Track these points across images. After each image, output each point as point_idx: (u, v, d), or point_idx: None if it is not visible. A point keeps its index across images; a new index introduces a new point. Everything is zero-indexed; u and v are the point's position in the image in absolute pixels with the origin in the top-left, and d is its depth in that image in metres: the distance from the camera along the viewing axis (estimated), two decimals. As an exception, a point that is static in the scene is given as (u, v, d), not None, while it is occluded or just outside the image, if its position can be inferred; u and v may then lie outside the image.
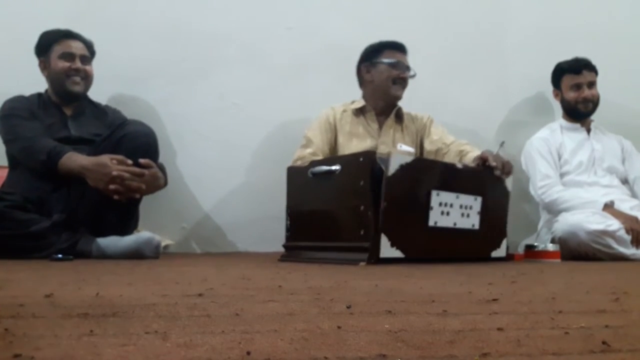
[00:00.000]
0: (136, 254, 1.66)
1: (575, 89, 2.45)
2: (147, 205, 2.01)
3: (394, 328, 0.50)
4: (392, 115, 2.14)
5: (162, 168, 1.92)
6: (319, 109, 2.15)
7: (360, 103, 2.14)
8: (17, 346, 0.40)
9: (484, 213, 1.75)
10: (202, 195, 2.41)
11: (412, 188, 1.59)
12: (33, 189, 1.76)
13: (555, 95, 2.57)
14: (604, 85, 2.48)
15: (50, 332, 0.45)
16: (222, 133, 2.41)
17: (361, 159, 1.58)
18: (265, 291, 0.80)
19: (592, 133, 2.51)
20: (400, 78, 2.09)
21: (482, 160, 1.82)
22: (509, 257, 1.93)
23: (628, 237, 2.06)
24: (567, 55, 2.49)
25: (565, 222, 2.13)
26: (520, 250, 2.19)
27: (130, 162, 1.74)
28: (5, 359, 0.36)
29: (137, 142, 1.80)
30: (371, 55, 2.12)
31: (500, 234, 1.85)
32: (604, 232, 2.04)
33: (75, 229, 1.70)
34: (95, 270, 1.19)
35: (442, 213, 1.65)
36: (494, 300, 0.72)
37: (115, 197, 1.72)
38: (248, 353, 0.38)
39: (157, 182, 1.85)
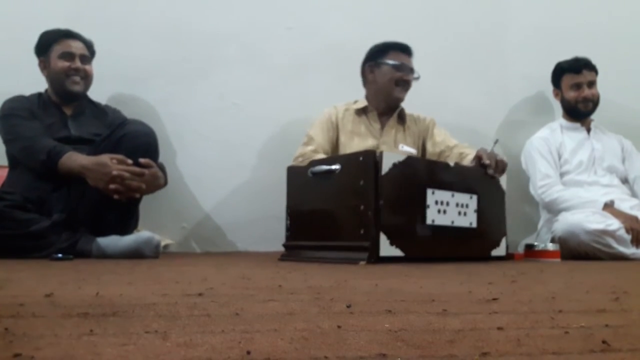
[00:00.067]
0: (136, 254, 1.66)
1: (575, 89, 2.45)
2: (147, 205, 2.01)
3: (394, 327, 0.50)
4: (395, 116, 2.14)
5: (162, 168, 1.92)
6: (319, 109, 2.16)
7: (363, 103, 2.14)
8: (17, 346, 0.40)
9: (480, 211, 1.76)
10: (202, 195, 2.41)
11: (407, 186, 1.60)
12: (33, 188, 1.76)
13: (555, 95, 2.57)
14: (604, 85, 2.48)
15: (50, 332, 0.45)
16: (222, 133, 2.41)
17: (361, 159, 1.58)
18: (265, 291, 0.80)
19: (592, 132, 2.51)
20: (403, 80, 2.08)
21: (478, 159, 1.83)
22: (509, 257, 1.93)
23: (628, 237, 2.06)
24: (567, 55, 2.49)
25: (565, 222, 2.13)
26: (520, 249, 2.19)
27: (130, 161, 1.74)
28: (5, 359, 0.36)
29: (137, 142, 1.80)
30: (376, 55, 2.12)
31: (499, 232, 1.85)
32: (604, 232, 2.04)
33: (75, 228, 1.70)
34: (95, 269, 1.19)
35: (439, 211, 1.65)
36: (494, 299, 0.72)
37: (115, 196, 1.72)
38: (248, 352, 0.38)
39: (157, 182, 1.85)
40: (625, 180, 2.47)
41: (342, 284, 0.92)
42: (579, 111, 2.46)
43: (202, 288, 0.80)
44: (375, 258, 1.50)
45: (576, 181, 2.38)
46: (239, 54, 2.46)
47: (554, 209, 2.32)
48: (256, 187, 2.42)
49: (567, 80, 2.47)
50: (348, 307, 0.62)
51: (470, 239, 1.74)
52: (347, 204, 1.60)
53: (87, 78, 2.01)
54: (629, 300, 0.75)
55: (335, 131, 2.09)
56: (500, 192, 1.86)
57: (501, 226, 1.86)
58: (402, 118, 2.16)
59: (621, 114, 2.71)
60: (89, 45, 2.03)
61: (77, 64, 1.97)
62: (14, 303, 0.61)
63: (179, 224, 2.38)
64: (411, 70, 2.10)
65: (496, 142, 1.94)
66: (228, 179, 2.42)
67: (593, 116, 2.52)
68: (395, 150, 2.06)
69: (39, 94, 1.99)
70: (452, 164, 1.75)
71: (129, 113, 2.11)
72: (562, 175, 2.42)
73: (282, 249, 1.84)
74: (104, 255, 1.65)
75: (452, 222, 1.69)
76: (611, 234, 2.05)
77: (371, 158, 1.55)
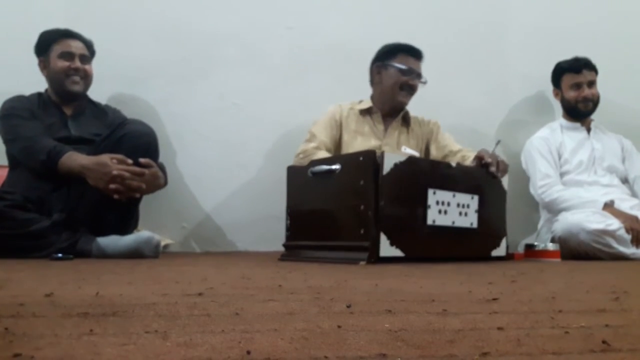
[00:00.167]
0: (136, 254, 1.66)
1: (575, 88, 2.45)
2: (147, 205, 2.01)
3: (394, 327, 0.50)
4: (399, 118, 2.13)
5: (162, 167, 1.92)
6: (319, 109, 2.15)
7: (368, 104, 2.13)
8: (17, 345, 0.40)
9: (482, 212, 1.76)
10: (202, 195, 2.41)
11: (408, 187, 1.60)
12: (33, 188, 1.76)
13: (556, 95, 2.57)
14: (604, 85, 2.48)
15: (50, 332, 0.45)
16: (222, 133, 2.41)
17: (361, 159, 1.58)
18: (265, 290, 0.80)
19: (592, 132, 2.51)
20: (408, 85, 2.06)
21: (479, 160, 1.83)
22: (509, 257, 1.93)
23: (628, 237, 2.06)
24: (567, 55, 2.49)
25: (565, 222, 2.13)
26: (520, 249, 2.19)
27: (130, 161, 1.74)
28: (5, 359, 0.36)
29: (137, 142, 1.80)
30: (384, 56, 2.10)
31: (499, 233, 1.85)
32: (604, 232, 2.04)
33: (75, 228, 1.70)
34: (95, 269, 1.19)
35: (440, 212, 1.65)
36: (494, 299, 0.72)
37: (116, 196, 1.72)
38: (248, 352, 0.38)
39: (157, 182, 1.85)
40: (625, 180, 2.47)
41: (342, 284, 0.92)
42: (579, 111, 2.46)
43: (202, 288, 0.80)
44: (375, 258, 1.50)
45: (576, 181, 2.38)
46: (239, 54, 2.46)
47: (554, 209, 2.32)
48: (256, 187, 2.42)
49: (567, 80, 2.47)
50: (348, 307, 0.62)
51: (471, 239, 1.74)
52: (347, 204, 1.60)
53: (86, 78, 2.01)
54: (629, 300, 0.75)
55: (338, 129, 2.09)
56: (502, 193, 1.86)
57: (502, 226, 1.86)
58: (406, 120, 2.15)
59: (621, 114, 2.71)
60: (88, 45, 2.03)
61: (77, 63, 1.97)
62: (14, 303, 0.61)
63: (179, 224, 2.38)
64: (418, 75, 2.08)
65: (498, 143, 1.93)
66: (228, 179, 2.42)
67: (593, 116, 2.52)
68: (398, 152, 2.06)
69: (39, 94, 1.99)
70: (454, 164, 1.75)
71: (129, 113, 2.11)
72: (562, 175, 2.42)
73: (282, 248, 1.84)
74: (104, 255, 1.65)
75: (453, 223, 1.69)
76: (611, 233, 2.05)
77: (371, 158, 1.55)
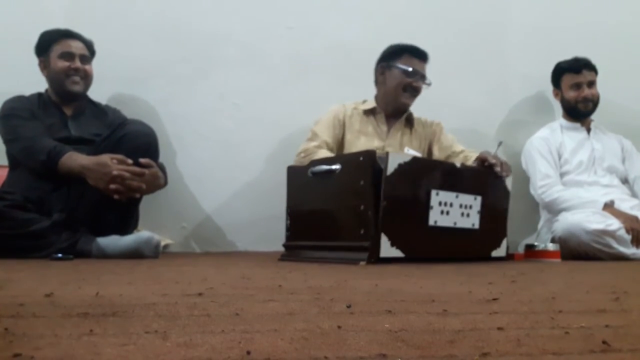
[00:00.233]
0: (136, 254, 1.66)
1: (575, 89, 2.45)
2: (147, 205, 2.01)
3: (394, 328, 0.50)
4: (402, 119, 2.12)
5: (162, 168, 1.92)
6: (319, 109, 2.15)
7: (371, 104, 2.12)
8: (17, 346, 0.40)
9: (484, 212, 1.75)
10: (202, 195, 2.41)
11: (411, 187, 1.59)
12: (33, 188, 1.76)
13: (555, 95, 2.57)
14: (604, 85, 2.48)
15: (50, 332, 0.45)
16: (222, 133, 2.41)
17: (361, 159, 1.58)
18: (265, 291, 0.80)
19: (592, 133, 2.51)
20: (411, 87, 2.05)
21: (481, 161, 1.82)
22: (509, 257, 1.93)
23: (628, 237, 2.06)
24: (567, 55, 2.49)
25: (566, 222, 2.13)
26: (521, 249, 2.19)
27: (130, 161, 1.74)
28: (5, 359, 0.36)
29: (138, 142, 1.80)
30: (389, 56, 2.09)
31: (500, 233, 1.85)
32: (604, 232, 2.04)
33: (75, 228, 1.70)
34: (95, 269, 1.19)
35: (442, 212, 1.65)
36: (494, 299, 0.72)
37: (116, 196, 1.72)
38: (248, 353, 0.38)
39: (157, 182, 1.86)
40: (625, 181, 2.47)
41: (342, 284, 0.92)
42: (579, 111, 2.46)
43: (202, 288, 0.80)
44: (376, 258, 1.50)
45: (576, 181, 2.38)
46: (239, 54, 2.46)
47: (554, 209, 2.32)
48: (256, 187, 2.42)
49: (567, 80, 2.47)
50: (348, 307, 0.62)
51: (471, 239, 1.74)
52: (347, 204, 1.60)
53: (87, 78, 2.01)
54: (629, 301, 0.74)
55: (341, 129, 2.08)
56: (505, 193, 1.85)
57: (502, 227, 1.85)
58: (409, 122, 2.15)
59: (621, 114, 2.71)
60: (89, 45, 2.03)
61: (77, 64, 1.97)
62: (14, 303, 0.61)
63: (179, 224, 2.38)
64: (422, 77, 2.06)
65: (500, 144, 1.93)
66: (228, 179, 2.42)
67: (593, 116, 2.52)
68: (401, 153, 2.05)
69: (39, 94, 1.99)
70: (459, 165, 1.75)
71: (129, 113, 2.11)
72: (562, 175, 2.42)
73: (282, 249, 1.84)
74: (104, 255, 1.65)
75: (455, 223, 1.68)
76: (611, 234, 2.05)
77: (371, 158, 1.55)
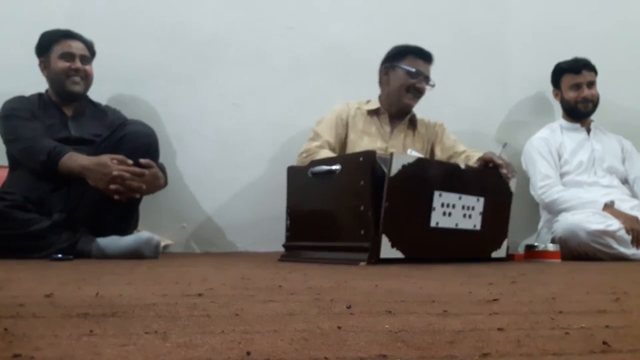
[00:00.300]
0: (136, 254, 1.66)
1: (575, 89, 2.45)
2: (147, 205, 2.01)
3: (394, 328, 0.50)
4: (406, 121, 2.12)
5: (162, 168, 1.92)
6: (319, 109, 2.15)
7: (375, 104, 2.12)
8: (17, 346, 0.40)
9: (485, 214, 1.74)
10: (202, 196, 2.41)
11: (414, 188, 1.59)
12: (33, 188, 1.76)
13: (555, 95, 2.57)
14: (604, 85, 2.48)
15: (50, 332, 0.45)
16: (222, 133, 2.41)
17: (361, 159, 1.58)
18: (265, 291, 0.80)
19: (592, 133, 2.51)
20: (414, 88, 2.05)
21: (485, 162, 1.82)
22: (509, 257, 1.93)
23: (628, 237, 2.06)
24: (567, 55, 2.49)
25: (566, 222, 2.13)
26: (521, 250, 2.19)
27: (130, 162, 1.74)
28: (5, 359, 0.36)
29: (138, 142, 1.80)
30: (393, 57, 2.08)
31: (501, 234, 1.84)
32: (604, 232, 2.04)
33: (75, 228, 1.70)
34: (95, 270, 1.19)
35: (444, 214, 1.64)
36: (494, 300, 0.72)
37: (116, 197, 1.72)
38: (248, 353, 0.38)
39: (157, 182, 1.86)
40: (625, 181, 2.47)
41: (342, 284, 0.92)
42: (579, 111, 2.46)
43: (202, 288, 0.80)
44: (376, 259, 1.50)
45: (576, 182, 2.38)
46: (238, 54, 2.46)
47: (554, 210, 2.32)
48: (256, 187, 2.42)
49: (567, 80, 2.47)
50: (348, 307, 0.62)
51: (472, 240, 1.73)
52: (348, 205, 1.60)
53: (87, 78, 2.01)
54: (630, 301, 0.74)
55: (344, 128, 2.07)
56: (508, 194, 1.84)
57: (504, 228, 1.85)
58: (412, 123, 2.14)
59: (621, 115, 2.71)
60: (89, 46, 2.03)
61: (77, 64, 1.97)
62: (14, 303, 0.61)
63: (179, 224, 2.37)
64: (426, 78, 2.06)
65: (504, 145, 1.93)
66: (228, 179, 2.42)
67: (593, 116, 2.52)
68: (404, 154, 2.05)
69: (39, 95, 1.99)
70: (463, 166, 1.74)
71: (129, 113, 2.11)
72: (562, 175, 2.42)
73: (282, 249, 1.84)
74: (104, 255, 1.65)
75: (457, 225, 1.68)
76: (611, 234, 2.05)
77: (371, 158, 1.55)
